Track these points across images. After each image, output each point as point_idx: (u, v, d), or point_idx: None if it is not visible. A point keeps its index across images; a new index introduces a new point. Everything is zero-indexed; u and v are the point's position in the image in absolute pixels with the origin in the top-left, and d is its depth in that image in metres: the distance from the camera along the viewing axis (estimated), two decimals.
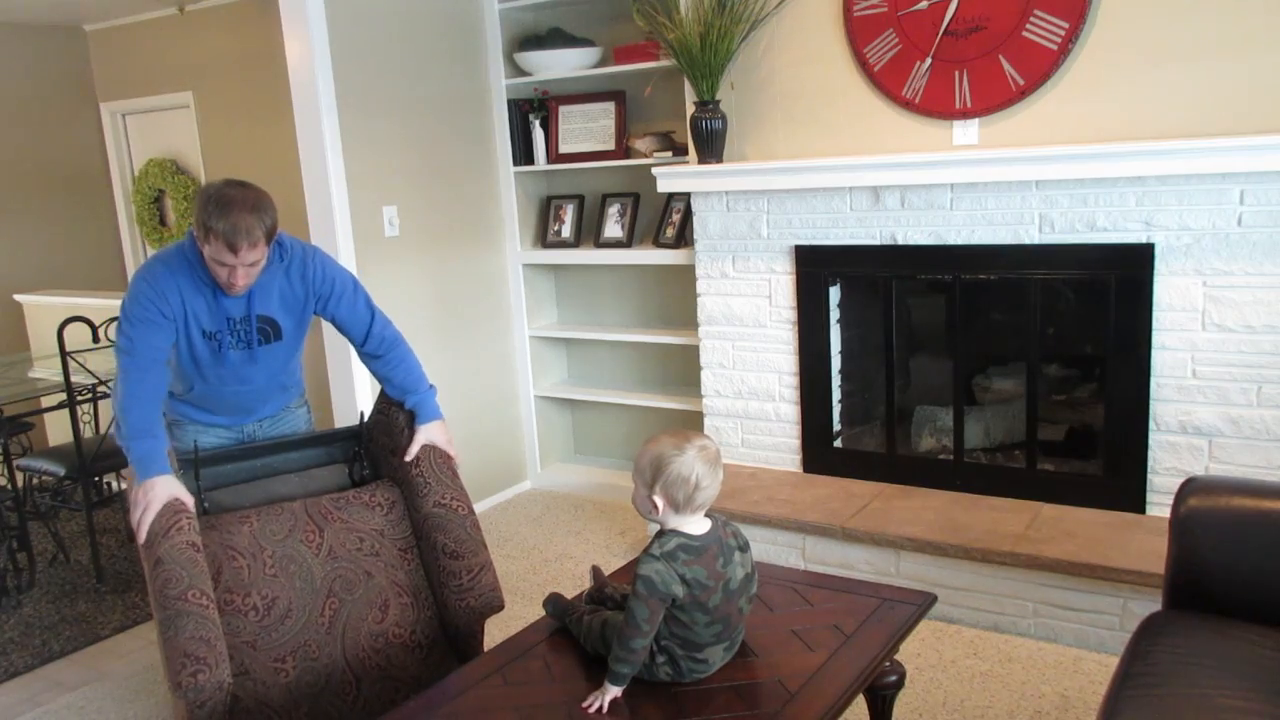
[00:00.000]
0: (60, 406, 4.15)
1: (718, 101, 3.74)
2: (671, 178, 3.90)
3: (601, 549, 4.06)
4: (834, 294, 3.84)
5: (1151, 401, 3.23)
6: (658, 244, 4.37)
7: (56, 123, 6.48)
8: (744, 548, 2.09)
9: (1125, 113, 3.16)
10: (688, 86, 3.89)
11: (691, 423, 4.27)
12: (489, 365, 4.65)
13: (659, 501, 2.00)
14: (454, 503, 2.63)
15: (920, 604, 2.35)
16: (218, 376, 2.59)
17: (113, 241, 6.86)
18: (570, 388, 4.85)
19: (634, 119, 4.44)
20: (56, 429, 5.30)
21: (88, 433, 4.53)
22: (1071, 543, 3.13)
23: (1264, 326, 3.04)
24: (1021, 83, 3.27)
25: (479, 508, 4.49)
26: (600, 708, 1.95)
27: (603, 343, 4.78)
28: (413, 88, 4.16)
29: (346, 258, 3.88)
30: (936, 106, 3.43)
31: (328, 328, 2.80)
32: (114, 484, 4.84)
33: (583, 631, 2.18)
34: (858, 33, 3.53)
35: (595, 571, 2.46)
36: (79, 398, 4.04)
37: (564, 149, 4.52)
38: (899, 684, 2.32)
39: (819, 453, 3.93)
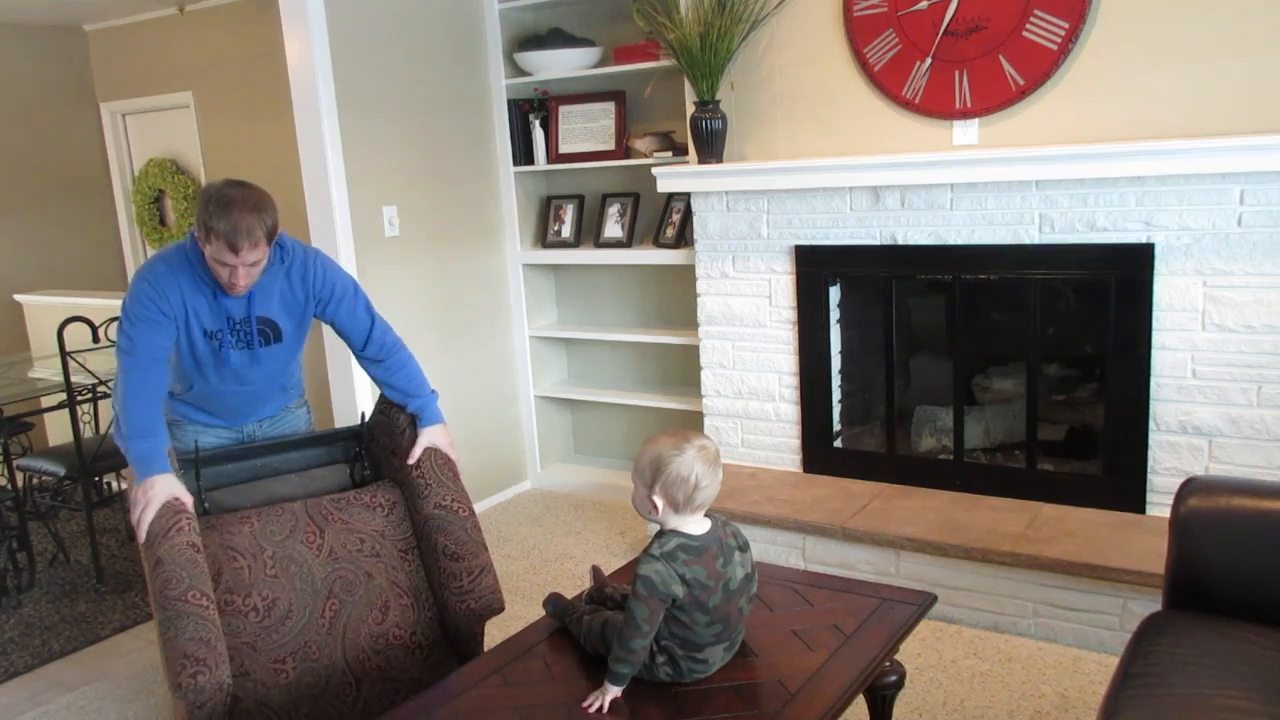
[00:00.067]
0: (60, 406, 4.15)
1: (718, 101, 3.74)
2: (671, 178, 3.90)
3: (601, 549, 4.07)
4: (834, 294, 3.84)
5: (1151, 401, 3.23)
6: (658, 244, 4.37)
7: (56, 123, 6.48)
8: (744, 548, 2.09)
9: (1125, 112, 3.16)
10: (688, 86, 3.88)
11: (691, 423, 4.27)
12: (489, 365, 4.65)
13: (659, 502, 2.00)
14: (455, 504, 2.63)
15: (920, 604, 2.35)
16: (218, 376, 2.59)
17: (113, 241, 6.86)
18: (570, 388, 4.86)
19: (634, 119, 4.44)
20: (56, 429, 5.30)
21: (88, 433, 4.53)
22: (1071, 543, 3.13)
23: (1264, 326, 3.04)
24: (1021, 83, 3.27)
25: (479, 508, 4.49)
26: (600, 708, 1.95)
27: (603, 343, 4.78)
28: (413, 88, 4.16)
29: (346, 258, 3.88)
30: (936, 106, 3.43)
31: (328, 329, 2.80)
32: (114, 484, 4.84)
33: (583, 631, 2.18)
34: (858, 33, 3.53)
35: (595, 571, 2.46)
36: (79, 398, 4.04)
37: (564, 149, 4.52)
38: (899, 684, 2.32)
39: (819, 453, 3.93)
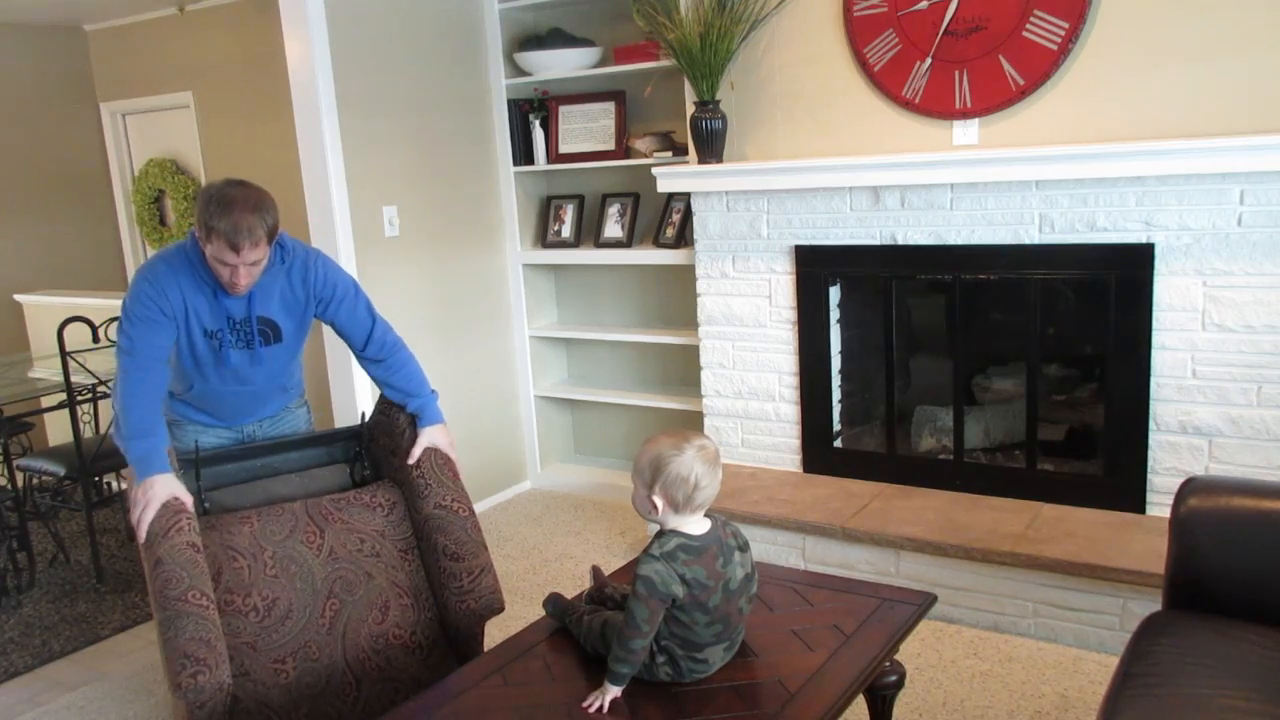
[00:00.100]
0: (60, 406, 4.15)
1: (718, 101, 3.74)
2: (671, 178, 3.90)
3: (601, 549, 4.07)
4: (834, 294, 3.84)
5: (1151, 401, 3.23)
6: (658, 244, 4.37)
7: (56, 123, 6.48)
8: (744, 548, 2.09)
9: (1125, 112, 3.16)
10: (688, 86, 3.89)
11: (691, 423, 4.27)
12: (489, 365, 4.65)
13: (658, 502, 2.00)
14: (455, 504, 2.63)
15: (920, 604, 2.35)
16: (218, 376, 2.59)
17: (113, 241, 6.86)
18: (570, 388, 4.86)
19: (634, 119, 4.44)
20: (56, 429, 5.30)
21: (88, 433, 4.53)
22: (1071, 543, 3.13)
23: (1264, 326, 3.04)
24: (1021, 83, 3.27)
25: (479, 508, 4.49)
26: (600, 708, 1.95)
27: (603, 343, 4.78)
28: (413, 88, 4.16)
29: (346, 258, 3.88)
30: (936, 106, 3.43)
31: (328, 329, 2.80)
32: (114, 484, 4.84)
33: (583, 631, 2.18)
34: (858, 33, 3.53)
35: (595, 571, 2.46)
36: (79, 398, 4.04)
37: (564, 149, 4.52)
38: (899, 684, 2.32)
39: (819, 453, 3.93)
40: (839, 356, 3.90)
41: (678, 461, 1.97)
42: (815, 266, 3.78)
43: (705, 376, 4.13)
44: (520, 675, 2.11)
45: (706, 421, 4.17)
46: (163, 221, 6.60)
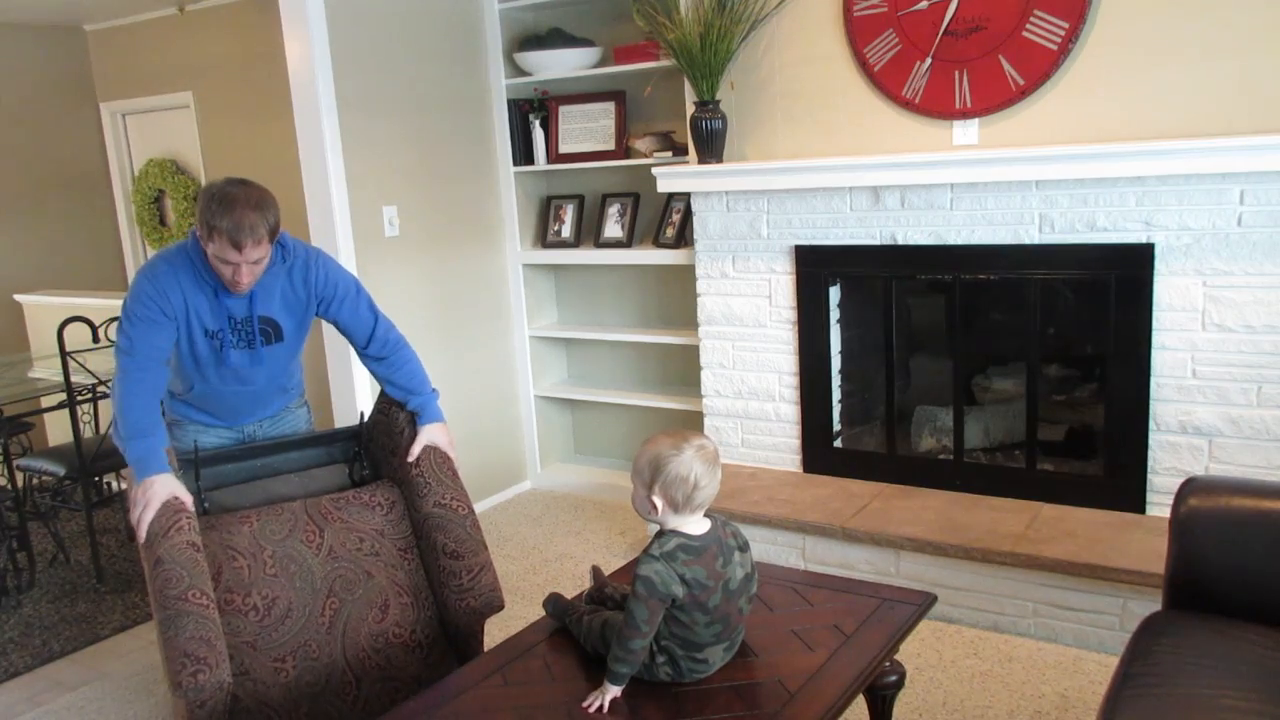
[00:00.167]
0: (60, 406, 4.15)
1: (718, 101, 3.74)
2: (671, 178, 3.90)
3: (601, 549, 4.07)
4: (834, 294, 3.85)
5: (1151, 401, 3.23)
6: (658, 244, 4.37)
7: (56, 123, 6.48)
8: (744, 548, 2.09)
9: (1125, 113, 3.16)
10: (688, 86, 3.89)
11: (691, 423, 4.27)
12: (489, 365, 4.65)
13: (658, 502, 2.00)
14: (454, 503, 2.63)
15: (920, 604, 2.35)
16: (218, 376, 2.59)
17: (113, 241, 6.86)
18: (570, 388, 4.86)
19: (634, 119, 4.44)
20: (56, 429, 5.30)
21: (88, 433, 4.53)
22: (1071, 543, 3.13)
23: (1264, 326, 3.04)
24: (1021, 83, 3.27)
25: (479, 508, 4.49)
26: (600, 707, 1.95)
27: (603, 343, 4.78)
28: (413, 88, 4.16)
29: (346, 258, 3.88)
30: (936, 106, 3.43)
31: (329, 328, 2.80)
32: (114, 484, 4.84)
33: (583, 631, 2.18)
34: (858, 33, 3.53)
35: (595, 571, 2.46)
36: (79, 398, 4.04)
37: (564, 149, 4.52)
38: (899, 684, 2.32)
39: (819, 453, 3.93)
40: (839, 356, 3.90)
41: (677, 461, 1.97)
42: (815, 266, 3.78)
43: (705, 376, 4.13)
44: (520, 675, 2.11)
45: (706, 421, 4.17)
46: (163, 221, 6.60)
